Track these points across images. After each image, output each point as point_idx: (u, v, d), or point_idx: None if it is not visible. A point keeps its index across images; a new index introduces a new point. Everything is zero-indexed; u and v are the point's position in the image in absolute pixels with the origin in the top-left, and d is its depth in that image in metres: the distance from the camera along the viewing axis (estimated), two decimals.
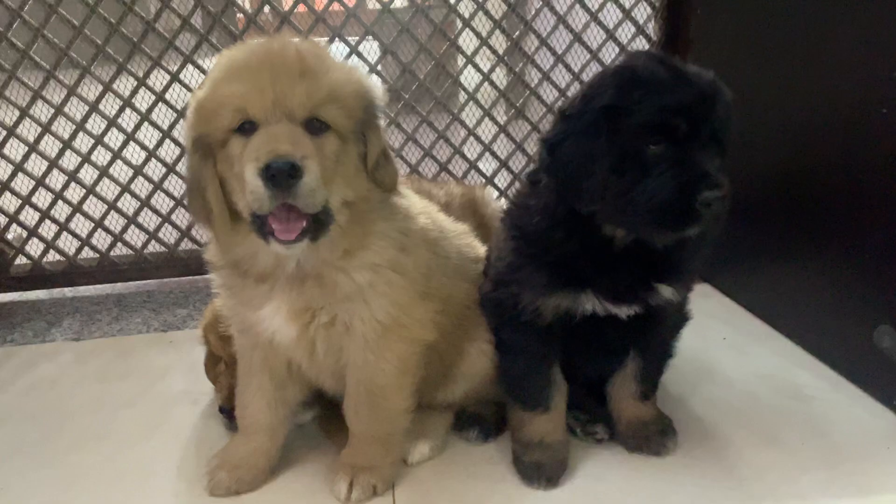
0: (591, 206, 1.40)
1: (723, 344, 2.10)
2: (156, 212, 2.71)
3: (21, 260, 2.71)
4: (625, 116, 1.34)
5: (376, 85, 1.38)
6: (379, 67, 2.71)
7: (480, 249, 1.73)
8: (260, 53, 1.27)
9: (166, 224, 2.72)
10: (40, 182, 2.62)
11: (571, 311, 1.49)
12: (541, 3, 2.62)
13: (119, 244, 2.72)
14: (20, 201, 2.63)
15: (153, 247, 2.75)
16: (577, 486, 1.53)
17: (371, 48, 2.72)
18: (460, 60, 2.69)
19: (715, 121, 1.34)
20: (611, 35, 2.64)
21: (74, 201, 2.66)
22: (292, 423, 1.61)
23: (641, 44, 2.65)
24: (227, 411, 1.71)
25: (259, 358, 1.52)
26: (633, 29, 2.64)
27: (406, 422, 1.50)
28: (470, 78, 2.72)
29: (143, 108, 2.59)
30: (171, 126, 2.63)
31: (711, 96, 1.34)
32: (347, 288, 1.37)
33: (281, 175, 1.18)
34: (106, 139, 2.61)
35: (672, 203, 1.33)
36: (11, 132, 2.55)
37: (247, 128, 1.26)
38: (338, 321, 1.40)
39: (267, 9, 2.56)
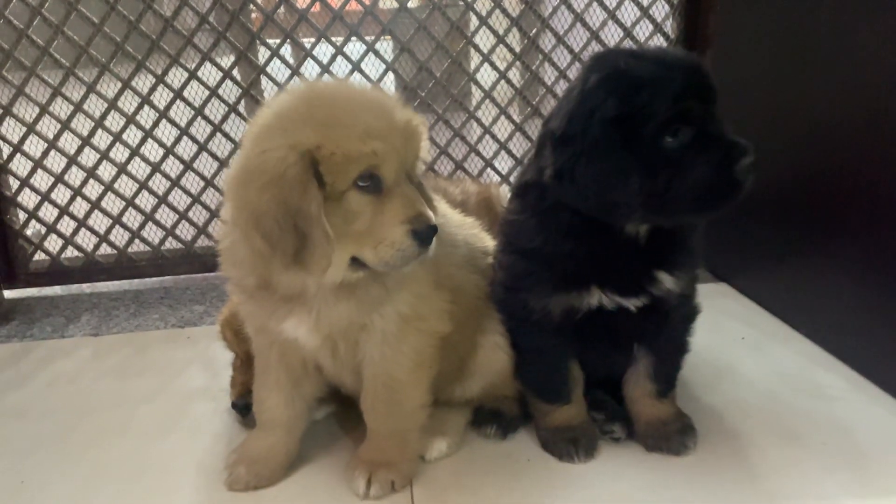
0: (629, 217, 1.42)
1: (742, 343, 2.09)
2: (173, 208, 2.73)
3: (40, 256, 2.73)
4: (639, 121, 1.33)
5: None
6: (395, 66, 2.71)
7: (489, 241, 1.73)
8: (380, 109, 1.31)
9: (183, 221, 2.74)
10: (59, 179, 2.64)
11: (576, 307, 1.50)
12: (558, 0, 2.61)
13: (136, 240, 2.73)
14: (39, 198, 2.65)
15: (170, 243, 2.77)
16: (596, 485, 1.52)
17: (386, 47, 2.72)
18: (476, 58, 2.69)
19: (713, 89, 1.37)
20: (628, 33, 2.63)
21: (93, 198, 2.68)
22: (309, 419, 1.61)
23: (659, 41, 2.64)
24: (240, 407, 1.72)
25: (276, 355, 1.52)
26: (650, 27, 2.63)
27: (423, 417, 1.50)
28: (486, 76, 2.72)
29: (162, 105, 2.60)
30: (189, 123, 2.64)
31: (700, 67, 1.38)
32: (377, 293, 1.39)
33: (430, 238, 1.32)
34: (124, 136, 2.63)
35: (714, 182, 1.36)
36: (31, 129, 2.57)
37: (370, 185, 1.29)
38: (356, 321, 1.40)
39: (283, 7, 2.56)
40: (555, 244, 1.49)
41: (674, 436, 1.61)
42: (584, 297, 1.49)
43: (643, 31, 2.64)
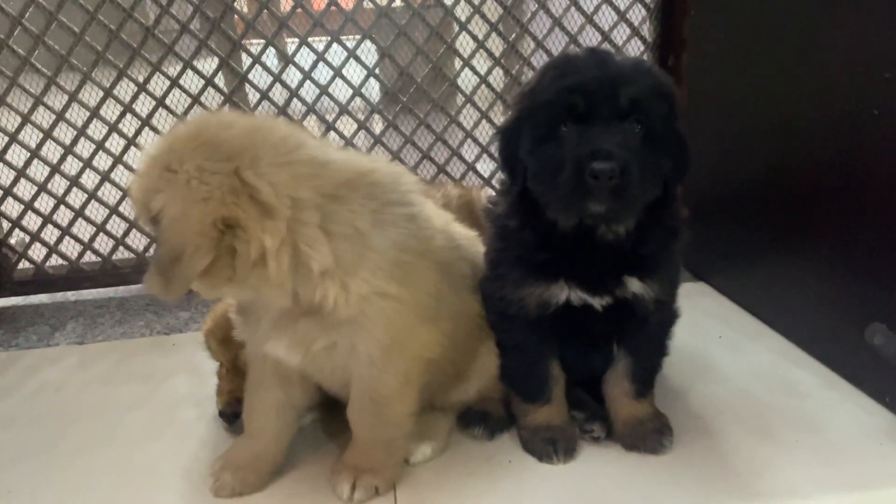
0: (517, 188, 1.52)
1: (718, 342, 2.13)
2: None
3: (24, 264, 2.73)
4: (538, 101, 1.44)
5: None
6: (377, 70, 2.73)
7: None
8: None
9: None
10: (42, 187, 2.64)
11: (547, 301, 1.54)
12: (536, 5, 2.64)
13: (121, 248, 2.74)
14: (22, 206, 2.65)
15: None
16: (575, 484, 1.55)
17: (367, 50, 2.74)
18: (457, 63, 2.72)
19: (623, 101, 1.39)
20: (606, 37, 2.66)
21: (76, 206, 2.68)
22: (297, 427, 1.63)
23: (637, 45, 2.68)
24: (228, 415, 1.74)
25: (269, 366, 1.53)
26: (628, 31, 2.67)
27: (409, 426, 1.52)
28: (467, 80, 2.74)
29: (144, 113, 2.61)
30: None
31: (618, 78, 1.40)
32: (335, 320, 1.37)
33: None
34: (107, 144, 2.63)
35: (568, 177, 1.39)
36: (13, 138, 2.57)
37: None
38: (340, 345, 1.41)
39: (265, 14, 2.58)
40: (512, 220, 1.57)
41: (651, 435, 1.64)
42: (553, 288, 1.54)
43: (621, 35, 2.67)
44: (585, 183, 1.36)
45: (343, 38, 2.62)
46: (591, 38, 2.66)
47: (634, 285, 1.54)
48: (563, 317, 1.57)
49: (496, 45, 2.74)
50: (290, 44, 2.67)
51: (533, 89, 1.48)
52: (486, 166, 2.86)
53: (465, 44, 2.68)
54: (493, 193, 1.76)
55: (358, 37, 2.63)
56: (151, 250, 2.75)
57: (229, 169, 1.25)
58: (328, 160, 1.37)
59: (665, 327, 1.69)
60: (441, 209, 1.68)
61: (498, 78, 2.80)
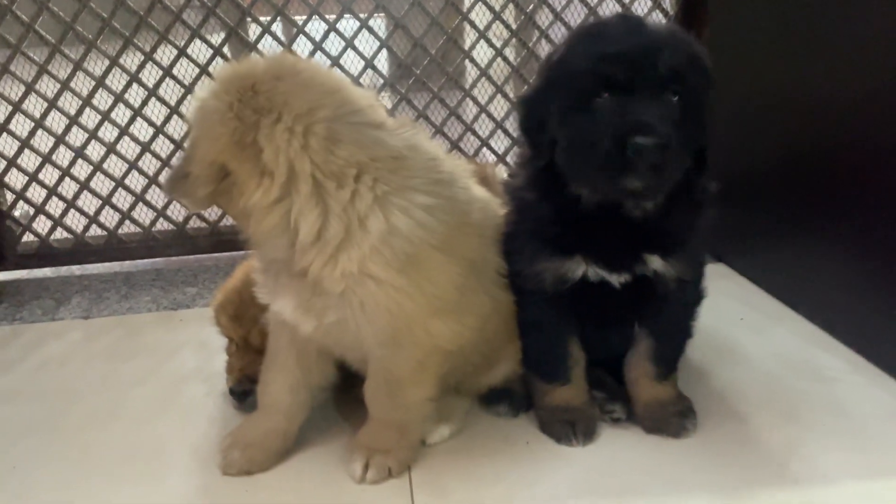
0: (543, 161, 1.45)
1: (741, 324, 2.07)
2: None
3: (28, 237, 2.68)
4: (570, 70, 1.37)
5: None
6: (389, 42, 2.66)
7: None
8: None
9: (175, 202, 2.69)
10: (47, 158, 2.58)
11: (564, 276, 1.49)
12: None
13: (127, 222, 2.69)
14: (27, 178, 2.60)
15: (161, 224, 2.72)
16: (596, 466, 1.51)
17: (380, 24, 2.67)
18: (472, 35, 2.64)
19: (662, 71, 1.31)
20: (626, 9, 2.59)
21: (81, 178, 2.63)
22: (311, 408, 1.58)
23: (657, 18, 2.60)
24: (238, 393, 1.70)
25: (287, 338, 1.49)
26: (649, 2, 2.59)
27: (426, 410, 1.48)
28: (482, 53, 2.67)
29: (151, 83, 2.55)
30: (179, 102, 2.59)
31: (656, 47, 1.32)
32: (326, 289, 1.33)
33: None
34: (113, 115, 2.57)
35: (606, 152, 1.31)
36: (17, 108, 2.52)
37: None
38: (346, 321, 1.36)
39: None
40: (530, 192, 1.52)
41: (673, 418, 1.59)
42: (568, 265, 1.48)
43: (642, 7, 2.60)
44: (626, 158, 1.29)
45: (355, 11, 2.55)
46: (610, 10, 2.58)
47: (655, 262, 1.48)
48: (582, 294, 1.51)
49: (513, 16, 2.67)
50: (298, 17, 2.59)
51: (563, 58, 1.40)
52: (500, 142, 2.79)
53: (480, 15, 2.61)
54: (513, 166, 1.70)
55: (371, 8, 2.56)
56: (158, 225, 2.71)
57: (250, 121, 1.26)
58: (355, 138, 1.31)
59: (689, 308, 1.63)
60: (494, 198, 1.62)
61: (514, 51, 2.73)
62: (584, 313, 1.57)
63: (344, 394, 1.67)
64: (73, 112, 2.55)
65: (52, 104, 2.53)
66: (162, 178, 2.67)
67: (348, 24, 2.58)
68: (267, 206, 1.28)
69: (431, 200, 1.35)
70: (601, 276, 1.48)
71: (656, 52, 1.31)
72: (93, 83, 2.52)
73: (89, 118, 2.57)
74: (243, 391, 1.68)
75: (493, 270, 1.54)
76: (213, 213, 2.71)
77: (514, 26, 2.65)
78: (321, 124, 1.28)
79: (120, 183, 2.65)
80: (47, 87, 2.52)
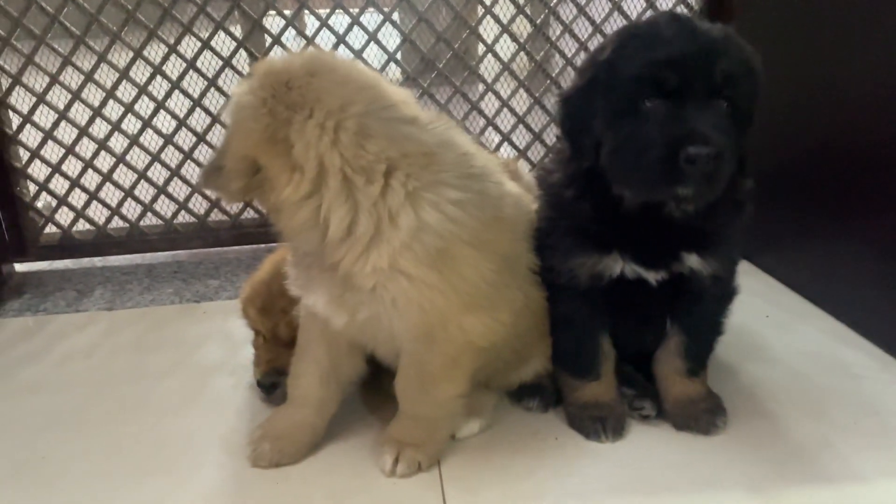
0: (587, 162, 1.43)
1: (766, 322, 2.06)
2: (186, 181, 2.69)
3: (51, 229, 2.69)
4: (620, 72, 1.34)
5: None
6: (412, 36, 2.65)
7: None
8: None
9: (196, 194, 2.70)
10: (70, 150, 2.59)
11: (600, 273, 1.48)
12: None
13: (149, 214, 2.70)
14: (50, 169, 2.60)
15: (183, 217, 2.73)
16: (625, 462, 1.50)
17: (403, 17, 2.66)
18: (495, 30, 2.63)
19: (717, 78, 1.30)
20: (651, 4, 2.58)
21: (104, 170, 2.64)
22: (341, 401, 1.58)
23: (682, 13, 2.57)
24: (266, 386, 1.70)
25: (318, 330, 1.49)
26: None
27: (457, 406, 1.47)
28: (505, 48, 2.66)
29: (174, 75, 2.55)
30: (202, 94, 2.59)
31: (712, 52, 1.31)
32: (357, 284, 1.33)
33: None
34: (136, 107, 2.58)
35: (657, 159, 1.31)
36: (41, 99, 2.52)
37: None
38: (380, 317, 1.36)
39: None
40: (569, 189, 1.50)
41: (703, 415, 1.58)
42: (605, 261, 1.48)
43: (667, 1, 2.58)
44: (678, 167, 1.28)
45: (378, 4, 2.54)
46: (635, 5, 2.56)
47: (692, 260, 1.47)
48: (616, 290, 1.50)
49: (536, 11, 2.65)
50: (322, 11, 2.59)
51: (611, 59, 1.37)
52: (521, 137, 2.78)
53: (503, 9, 2.60)
54: (549, 162, 1.68)
55: (394, 1, 2.55)
56: (179, 218, 2.72)
57: (282, 117, 1.27)
58: (387, 133, 1.31)
59: (723, 305, 1.62)
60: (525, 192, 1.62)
61: (537, 45, 2.71)
62: (617, 309, 1.56)
63: (374, 388, 1.68)
64: (96, 104, 2.55)
65: (76, 96, 2.53)
66: (184, 171, 2.67)
67: (371, 18, 2.57)
68: (297, 201, 1.28)
69: (462, 195, 1.35)
70: (638, 274, 1.48)
71: (712, 58, 1.30)
72: (116, 75, 2.52)
73: (112, 110, 2.58)
74: (271, 383, 1.68)
75: (526, 266, 1.53)
76: (234, 206, 2.71)
77: (537, 21, 2.64)
78: (352, 120, 1.28)
79: (142, 175, 2.65)
80: (71, 78, 2.52)
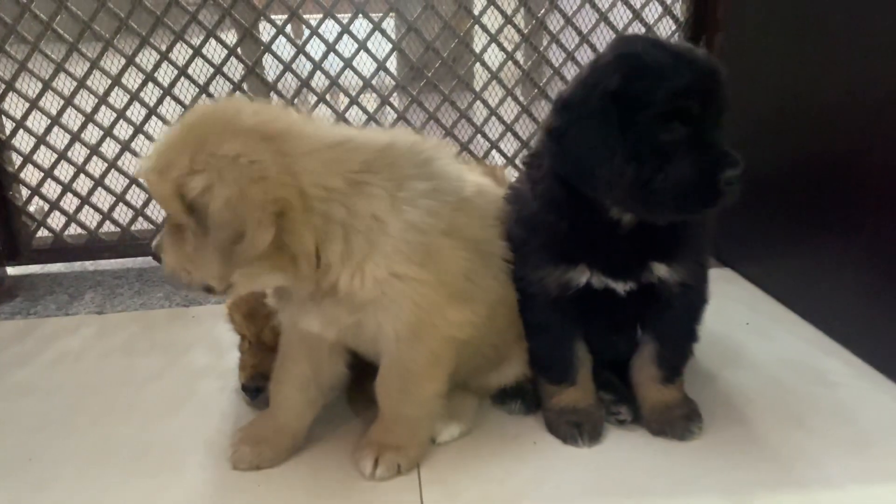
0: (606, 194, 1.42)
1: (746, 329, 2.09)
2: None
3: (43, 233, 2.71)
4: (637, 105, 1.34)
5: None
6: (401, 45, 2.69)
7: None
8: None
9: None
10: (62, 155, 2.62)
11: (567, 283, 1.51)
12: None
13: (140, 218, 2.72)
14: (42, 174, 2.63)
15: None
16: (603, 466, 1.53)
17: (392, 26, 2.69)
18: (483, 39, 2.66)
19: (724, 100, 1.37)
20: (637, 15, 2.60)
21: (96, 175, 2.66)
22: (321, 406, 1.60)
23: (668, 24, 2.62)
24: (251, 390, 1.72)
25: (299, 337, 1.51)
26: (659, 9, 2.61)
27: (437, 407, 1.50)
28: (493, 57, 2.69)
29: (166, 82, 2.58)
30: (193, 101, 2.61)
31: (715, 73, 1.36)
32: (356, 303, 1.36)
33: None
34: (128, 113, 2.60)
35: (696, 185, 1.35)
36: (34, 105, 2.55)
37: None
38: (366, 323, 1.39)
39: None
40: (546, 214, 1.51)
41: (679, 421, 1.61)
42: (572, 272, 1.51)
43: (652, 13, 2.61)
44: (718, 190, 1.35)
45: (368, 13, 2.57)
46: (621, 16, 2.60)
47: (661, 270, 1.50)
48: (585, 298, 1.53)
49: (524, 20, 2.69)
50: (312, 17, 2.62)
51: (622, 91, 1.34)
52: (509, 145, 2.81)
53: (492, 19, 2.63)
54: (519, 174, 1.70)
55: (384, 10, 2.58)
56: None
57: (273, 149, 1.26)
58: (347, 139, 1.36)
59: (693, 312, 1.64)
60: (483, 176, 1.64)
61: (524, 55, 2.75)
62: (588, 317, 1.59)
63: (355, 391, 1.70)
64: (88, 110, 2.58)
65: (69, 101, 2.56)
66: None
67: (361, 26, 2.60)
68: (310, 246, 1.31)
69: (427, 183, 1.40)
70: (606, 284, 1.51)
71: (718, 81, 1.36)
72: (108, 81, 2.55)
73: (105, 116, 2.60)
74: (256, 388, 1.70)
75: (499, 256, 1.55)
76: None
77: (525, 30, 2.67)
78: (320, 136, 1.34)
79: (134, 180, 2.67)
80: (64, 84, 2.55)
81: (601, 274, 1.50)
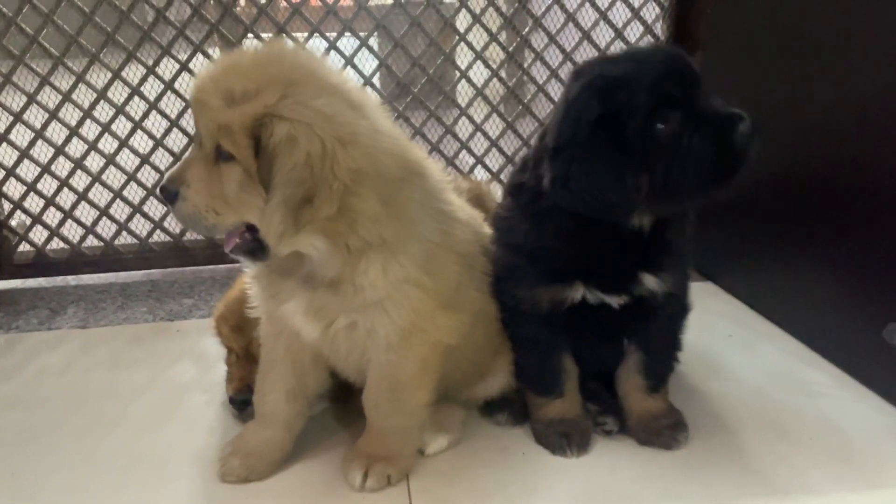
0: (629, 214, 1.44)
1: (729, 341, 2.12)
2: (161, 201, 2.69)
3: (25, 247, 2.69)
4: (623, 118, 1.37)
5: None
6: (388, 61, 2.71)
7: None
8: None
9: (171, 213, 2.71)
10: (46, 169, 2.60)
11: (562, 300, 1.54)
12: (551, 0, 2.64)
13: (124, 233, 2.71)
14: (25, 188, 2.61)
15: (158, 236, 2.74)
16: (590, 476, 1.54)
17: (379, 43, 2.71)
18: (469, 56, 2.70)
19: (691, 68, 1.41)
20: (619, 34, 2.66)
21: (80, 189, 2.65)
22: (308, 416, 1.61)
23: (649, 43, 2.67)
24: (238, 402, 1.72)
25: (283, 346, 1.51)
26: (641, 28, 2.66)
27: (425, 416, 1.51)
28: (479, 74, 2.73)
29: (152, 96, 2.58)
30: (179, 115, 2.62)
31: (676, 57, 1.42)
32: (360, 300, 1.36)
33: (165, 197, 1.35)
34: (113, 127, 2.60)
35: (715, 155, 1.37)
36: (18, 118, 2.54)
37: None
38: (359, 326, 1.40)
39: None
40: (543, 242, 1.52)
41: (665, 431, 1.63)
42: (567, 290, 1.53)
43: (634, 32, 2.67)
44: (739, 149, 1.36)
45: (355, 30, 2.60)
46: (604, 35, 2.65)
47: (650, 281, 1.53)
48: (575, 312, 1.56)
49: (510, 38, 2.73)
50: (299, 34, 2.64)
51: (604, 116, 1.37)
52: (494, 160, 2.84)
53: (477, 37, 2.67)
54: (503, 201, 1.71)
55: (370, 27, 2.61)
56: (154, 237, 2.73)
57: (360, 116, 1.25)
58: (400, 134, 1.40)
59: (676, 321, 1.67)
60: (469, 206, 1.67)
61: (509, 72, 2.79)
62: (577, 330, 1.61)
63: (343, 403, 1.70)
64: (73, 123, 2.57)
65: (53, 115, 2.55)
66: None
67: (348, 43, 2.63)
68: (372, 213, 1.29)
69: (442, 206, 1.46)
70: (601, 299, 1.53)
71: (679, 54, 1.43)
72: (94, 95, 2.55)
73: (89, 130, 2.60)
74: (243, 400, 1.70)
75: (480, 271, 1.58)
76: None
77: (510, 48, 2.71)
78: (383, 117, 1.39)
79: (118, 194, 2.66)
80: (49, 98, 2.54)
81: (596, 289, 1.52)
